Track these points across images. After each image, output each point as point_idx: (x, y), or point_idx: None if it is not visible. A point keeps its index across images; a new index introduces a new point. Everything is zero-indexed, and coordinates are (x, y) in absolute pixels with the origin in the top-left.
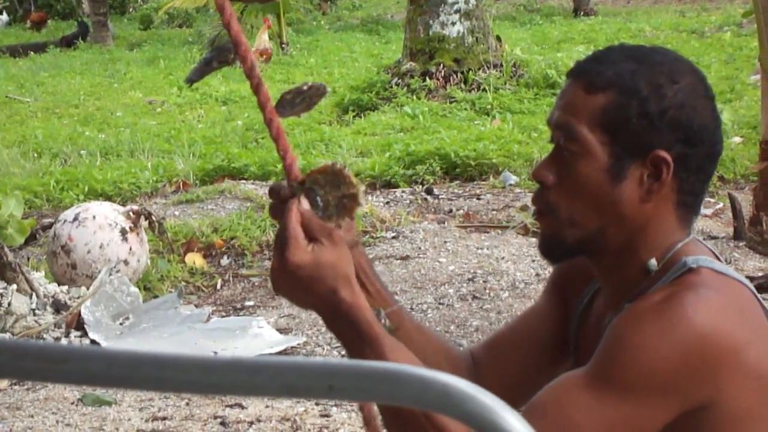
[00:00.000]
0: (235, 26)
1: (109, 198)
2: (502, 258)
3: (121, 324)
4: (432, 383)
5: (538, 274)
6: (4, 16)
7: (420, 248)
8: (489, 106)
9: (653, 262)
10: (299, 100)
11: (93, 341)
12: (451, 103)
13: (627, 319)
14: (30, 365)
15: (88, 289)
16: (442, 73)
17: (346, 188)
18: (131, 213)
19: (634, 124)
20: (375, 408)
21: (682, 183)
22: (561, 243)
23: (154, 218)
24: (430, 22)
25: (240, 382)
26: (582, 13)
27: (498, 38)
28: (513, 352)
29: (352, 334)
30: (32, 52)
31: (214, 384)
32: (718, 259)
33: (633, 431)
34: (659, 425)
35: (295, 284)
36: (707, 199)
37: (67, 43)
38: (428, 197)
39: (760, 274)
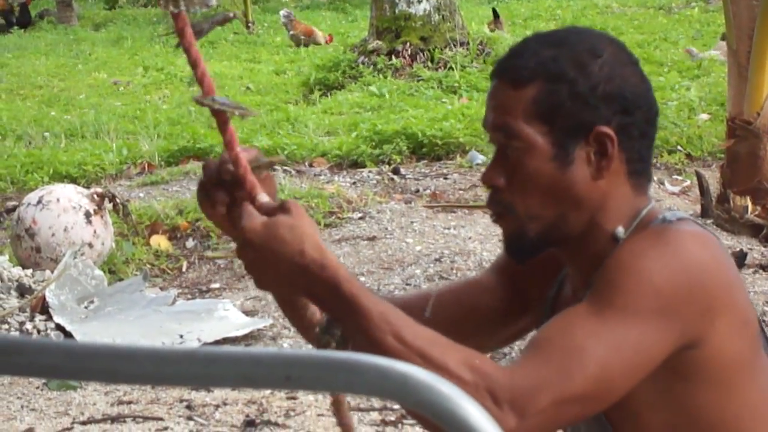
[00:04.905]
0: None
1: (74, 180)
2: (469, 238)
3: (86, 307)
4: (389, 372)
5: None
6: None
7: (387, 229)
8: (456, 85)
9: (620, 229)
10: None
11: (58, 325)
12: (417, 81)
13: (623, 252)
14: None
15: (52, 272)
16: (409, 52)
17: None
18: (95, 195)
19: (569, 107)
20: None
21: (628, 152)
22: (525, 239)
23: (118, 200)
24: (397, 0)
25: (196, 373)
26: None
27: (495, 13)
28: (458, 314)
29: (332, 298)
30: None
31: (171, 375)
32: None
33: (638, 357)
34: (661, 355)
35: (259, 255)
36: (674, 176)
37: None
38: (395, 177)
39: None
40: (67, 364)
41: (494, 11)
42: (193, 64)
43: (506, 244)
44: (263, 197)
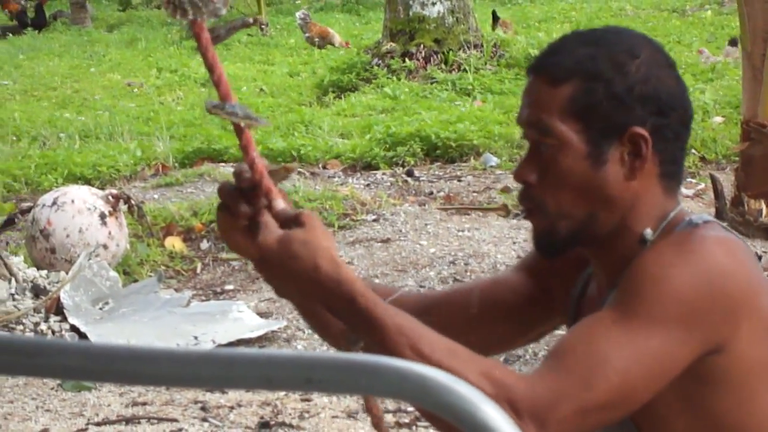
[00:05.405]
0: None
1: (88, 181)
2: (483, 240)
3: (100, 309)
4: (409, 375)
5: (519, 256)
6: None
7: (401, 231)
8: (470, 87)
9: (648, 231)
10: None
11: (72, 326)
12: (431, 83)
13: (647, 259)
14: (2, 359)
15: (67, 273)
16: (423, 54)
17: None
18: (110, 197)
19: (604, 106)
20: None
21: (662, 154)
22: (555, 237)
23: (133, 202)
24: (410, 2)
25: (216, 375)
26: None
27: (495, 16)
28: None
29: (348, 312)
30: (11, 35)
31: (191, 376)
32: None
33: (660, 366)
34: (683, 363)
35: (276, 271)
36: (689, 179)
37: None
38: (409, 179)
39: None
40: (87, 365)
41: (494, 14)
42: (210, 68)
43: (536, 241)
44: (280, 203)
